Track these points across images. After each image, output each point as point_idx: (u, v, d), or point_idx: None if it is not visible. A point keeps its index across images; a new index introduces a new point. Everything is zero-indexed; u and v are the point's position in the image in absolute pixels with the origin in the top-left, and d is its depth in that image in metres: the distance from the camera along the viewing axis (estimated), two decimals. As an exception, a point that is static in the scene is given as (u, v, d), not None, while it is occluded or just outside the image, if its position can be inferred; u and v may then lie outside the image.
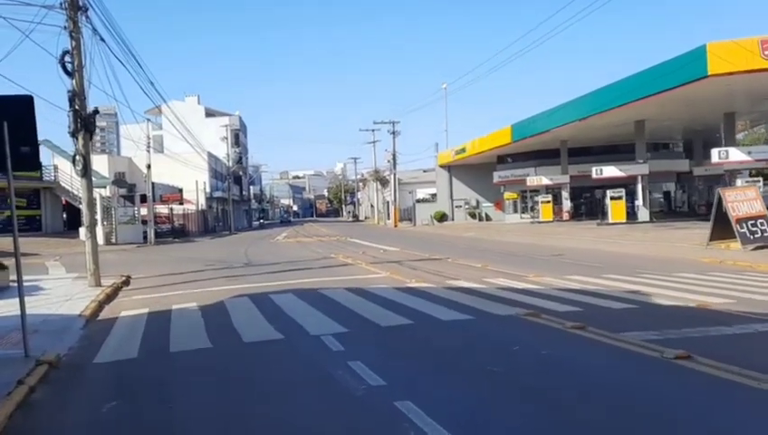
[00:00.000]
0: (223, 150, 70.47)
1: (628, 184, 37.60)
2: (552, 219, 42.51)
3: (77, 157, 13.93)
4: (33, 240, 34.66)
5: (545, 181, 43.37)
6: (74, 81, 13.75)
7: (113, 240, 37.48)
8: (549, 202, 43.14)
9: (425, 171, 77.53)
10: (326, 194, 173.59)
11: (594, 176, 35.45)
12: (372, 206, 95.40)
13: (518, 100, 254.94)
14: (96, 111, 14.10)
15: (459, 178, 58.40)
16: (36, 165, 6.98)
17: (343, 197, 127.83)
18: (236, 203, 74.14)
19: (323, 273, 15.51)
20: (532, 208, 49.74)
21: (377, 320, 8.52)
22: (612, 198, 33.78)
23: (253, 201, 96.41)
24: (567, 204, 42.02)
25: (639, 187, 33.93)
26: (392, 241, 29.49)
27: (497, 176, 50.72)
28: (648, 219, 33.52)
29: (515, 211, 50.95)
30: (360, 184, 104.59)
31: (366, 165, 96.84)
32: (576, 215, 43.35)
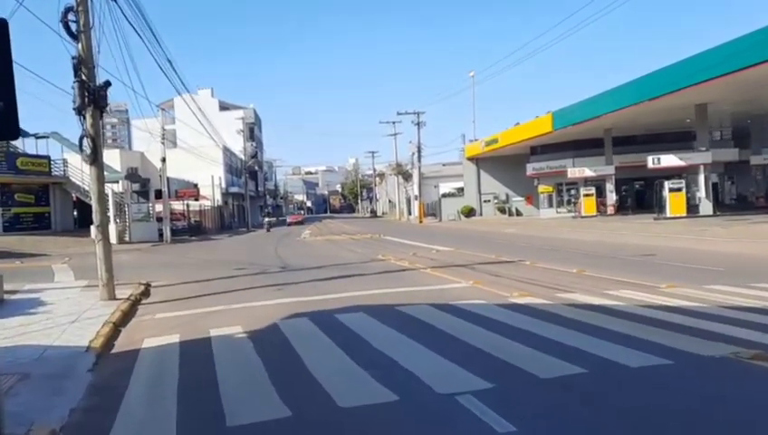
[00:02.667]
0: (237, 145, 67.79)
1: (680, 174, 34.62)
2: (594, 214, 39.46)
3: (84, 139, 11.22)
4: (42, 239, 32.18)
5: (588, 173, 40.29)
6: (80, 44, 11.03)
7: (126, 238, 34.96)
8: (591, 195, 40.05)
9: (444, 165, 74.73)
10: (340, 189, 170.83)
11: (651, 165, 32.35)
12: (390, 201, 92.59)
13: (544, 92, 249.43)
14: (108, 84, 11.37)
15: (487, 171, 55.38)
16: (13, 130, 4.16)
17: (359, 192, 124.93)
18: (252, 199, 71.58)
19: (385, 281, 12.72)
20: (569, 202, 46.77)
21: (524, 365, 5.73)
22: (671, 190, 30.69)
23: (268, 197, 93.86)
24: (612, 197, 38.91)
25: (702, 177, 30.83)
26: (436, 239, 26.63)
27: (531, 168, 47.68)
28: (710, 213, 30.42)
29: (550, 205, 47.88)
30: (377, 179, 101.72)
31: (384, 158, 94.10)
32: (621, 208, 40.24)
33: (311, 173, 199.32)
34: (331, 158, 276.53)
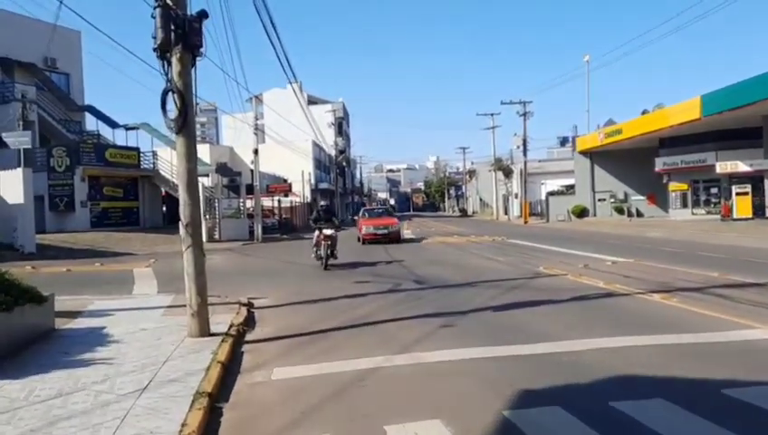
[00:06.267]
0: (327, 139, 64.90)
1: None
2: (748, 216, 33.07)
3: (169, 96, 7.50)
4: (129, 236, 29.85)
5: (742, 167, 33.93)
6: (164, -48, 7.30)
7: (216, 236, 32.18)
8: (746, 193, 33.67)
9: (540, 161, 68.91)
10: (423, 187, 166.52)
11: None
12: (482, 199, 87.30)
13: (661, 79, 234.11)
14: (203, 14, 7.60)
15: (603, 167, 49.35)
16: None
17: (446, 190, 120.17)
18: (340, 196, 68.62)
19: (608, 317, 8.34)
20: (708, 202, 40.27)
21: None
22: None
23: (354, 194, 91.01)
24: (774, 196, 32.42)
25: None
26: (576, 244, 21.79)
27: (661, 163, 41.42)
28: None
29: (684, 205, 41.45)
30: (466, 176, 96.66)
31: (473, 155, 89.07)
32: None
33: (392, 171, 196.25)
34: (412, 155, 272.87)
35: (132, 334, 7.70)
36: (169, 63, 7.52)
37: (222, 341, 7.23)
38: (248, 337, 8.01)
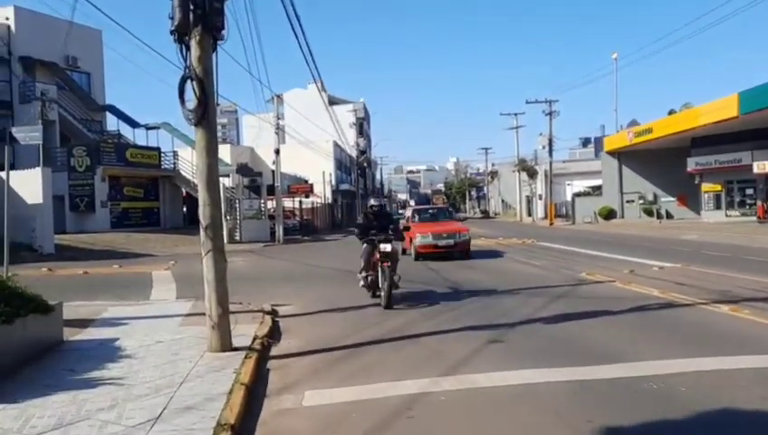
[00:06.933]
0: (348, 140, 64.21)
1: None
2: (788, 218, 31.67)
3: (188, 83, 6.76)
4: (150, 237, 29.43)
5: (785, 167, 32.49)
6: None
7: (237, 238, 31.64)
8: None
9: (564, 162, 67.55)
10: (443, 188, 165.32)
11: None
12: (504, 201, 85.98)
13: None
14: (225, -7, 6.85)
15: (631, 168, 47.88)
16: None
17: (467, 191, 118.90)
18: (361, 197, 67.88)
19: (679, 333, 7.41)
20: (743, 204, 38.79)
21: None
22: None
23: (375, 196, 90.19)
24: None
25: None
26: (612, 248, 20.70)
27: (693, 163, 39.96)
28: None
29: (717, 207, 39.96)
30: (488, 177, 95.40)
31: (495, 156, 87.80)
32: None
33: (412, 172, 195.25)
34: (432, 157, 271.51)
35: (147, 348, 6.97)
36: (188, 48, 6.78)
37: (245, 357, 6.45)
38: (274, 351, 7.25)
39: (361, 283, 10.51)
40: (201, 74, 6.70)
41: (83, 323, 8.32)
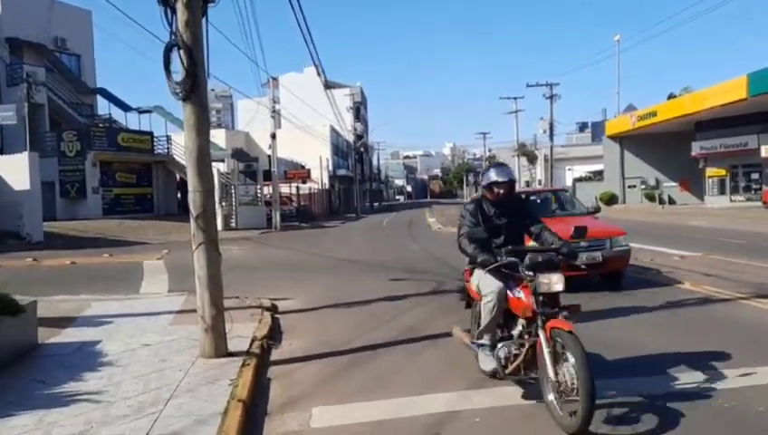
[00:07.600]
0: (345, 124, 63.13)
1: None
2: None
3: (174, 51, 5.90)
4: (143, 224, 28.59)
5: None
6: None
7: (233, 224, 30.81)
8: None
9: (563, 147, 66.68)
10: (440, 174, 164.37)
11: None
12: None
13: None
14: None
15: (633, 152, 47.15)
16: None
17: (465, 176, 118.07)
18: (359, 183, 66.99)
19: (730, 334, 6.62)
20: (749, 188, 38.12)
21: None
22: None
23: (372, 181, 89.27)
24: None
25: None
26: (636, 236, 19.94)
27: (698, 147, 39.18)
28: None
29: (722, 192, 39.29)
30: (487, 162, 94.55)
31: (493, 141, 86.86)
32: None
33: (409, 157, 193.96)
34: (428, 142, 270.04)
35: (132, 353, 6.17)
36: (174, 12, 5.90)
37: (243, 364, 5.67)
38: (274, 355, 6.48)
39: (488, 359, 4.79)
40: (189, 41, 5.84)
41: (62, 323, 7.52)
